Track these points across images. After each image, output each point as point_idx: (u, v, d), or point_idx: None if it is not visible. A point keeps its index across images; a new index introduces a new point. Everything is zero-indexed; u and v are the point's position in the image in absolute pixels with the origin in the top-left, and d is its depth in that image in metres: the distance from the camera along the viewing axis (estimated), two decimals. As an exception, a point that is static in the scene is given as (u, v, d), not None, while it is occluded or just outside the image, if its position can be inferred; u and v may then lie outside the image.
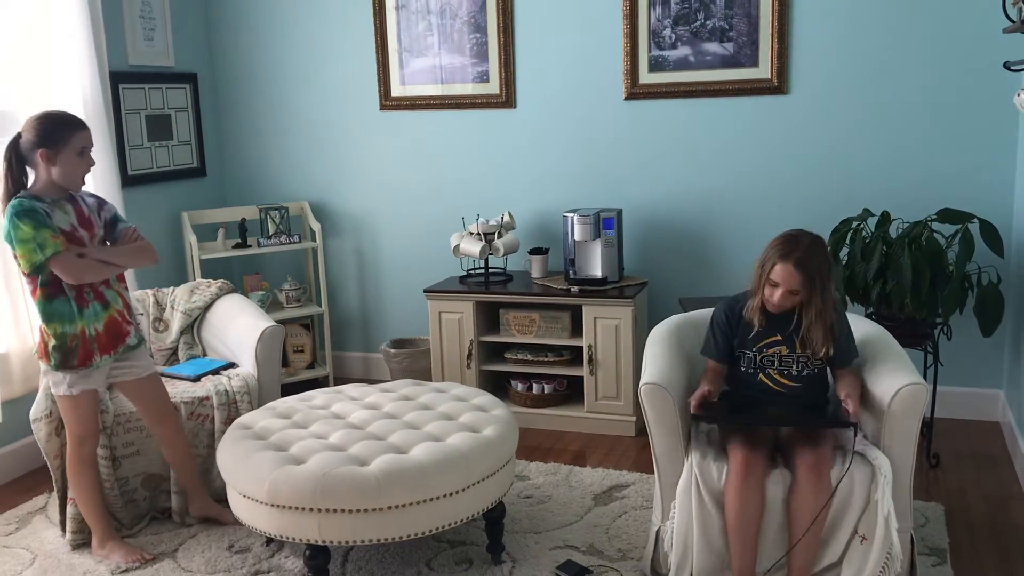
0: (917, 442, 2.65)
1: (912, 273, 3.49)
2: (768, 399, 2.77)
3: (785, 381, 2.75)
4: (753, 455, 2.61)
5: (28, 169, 2.88)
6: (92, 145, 2.91)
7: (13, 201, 2.83)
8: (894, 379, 2.63)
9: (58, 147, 2.82)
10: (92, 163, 2.92)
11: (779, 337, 2.73)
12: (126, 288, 3.13)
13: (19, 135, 2.86)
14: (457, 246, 4.48)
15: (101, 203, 3.07)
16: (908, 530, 2.67)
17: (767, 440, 2.71)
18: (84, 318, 2.92)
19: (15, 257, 2.87)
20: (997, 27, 3.48)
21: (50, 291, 2.88)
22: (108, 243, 3.04)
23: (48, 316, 2.90)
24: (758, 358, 2.76)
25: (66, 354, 2.92)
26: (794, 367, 2.74)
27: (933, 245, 3.57)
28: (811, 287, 2.63)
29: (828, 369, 2.81)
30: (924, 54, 3.94)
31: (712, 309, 2.91)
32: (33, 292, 2.91)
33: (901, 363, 2.74)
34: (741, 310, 2.78)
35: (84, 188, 3.01)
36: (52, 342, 2.91)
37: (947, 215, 3.64)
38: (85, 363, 2.95)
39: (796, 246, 2.63)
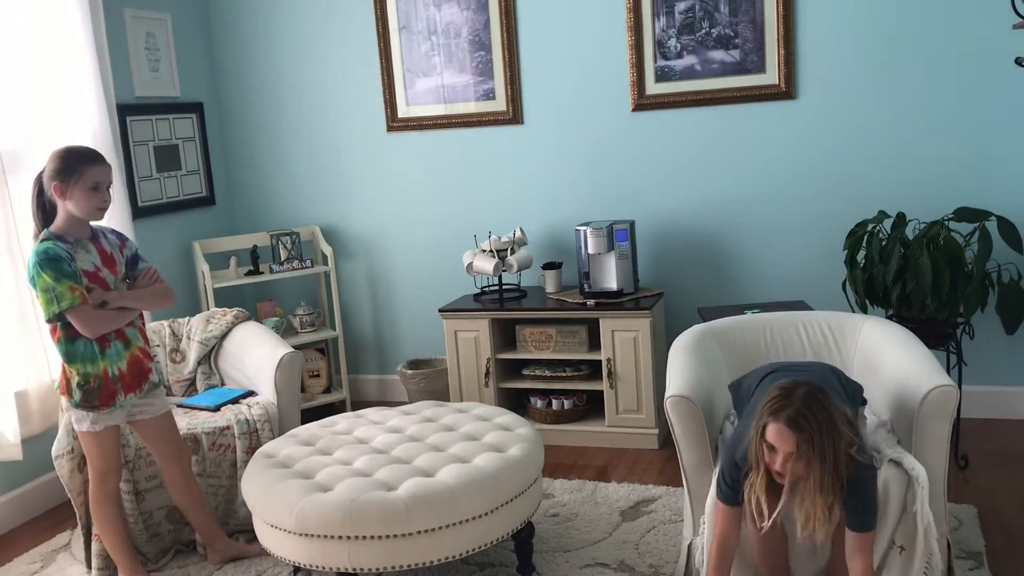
0: (949, 445, 2.62)
1: (932, 273, 3.46)
2: None
3: None
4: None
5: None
6: (109, 181, 2.88)
7: (38, 245, 2.82)
8: (923, 382, 2.60)
9: (70, 181, 2.81)
10: (107, 199, 2.88)
11: (785, 499, 2.40)
12: (144, 325, 3.12)
13: (43, 169, 2.87)
14: (470, 264, 4.46)
15: (123, 240, 3.06)
16: (944, 535, 2.64)
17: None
18: (106, 358, 2.91)
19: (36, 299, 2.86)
20: (1007, 23, 3.47)
21: (71, 332, 2.86)
22: (128, 281, 3.02)
23: (70, 357, 2.89)
24: None
25: (88, 393, 2.90)
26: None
27: (951, 244, 3.53)
28: (811, 448, 2.27)
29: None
30: (933, 52, 3.92)
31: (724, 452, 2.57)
32: (53, 333, 2.89)
33: (929, 365, 2.70)
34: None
35: (103, 223, 3.00)
36: (76, 379, 2.89)
37: (964, 214, 3.62)
38: (108, 403, 2.93)
39: (788, 401, 2.29)
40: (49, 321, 2.86)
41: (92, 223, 2.96)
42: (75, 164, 2.82)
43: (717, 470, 2.53)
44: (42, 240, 2.84)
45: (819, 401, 2.30)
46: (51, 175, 2.82)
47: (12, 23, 3.75)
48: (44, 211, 2.90)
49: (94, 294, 2.86)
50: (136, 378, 2.99)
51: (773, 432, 2.30)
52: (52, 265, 2.77)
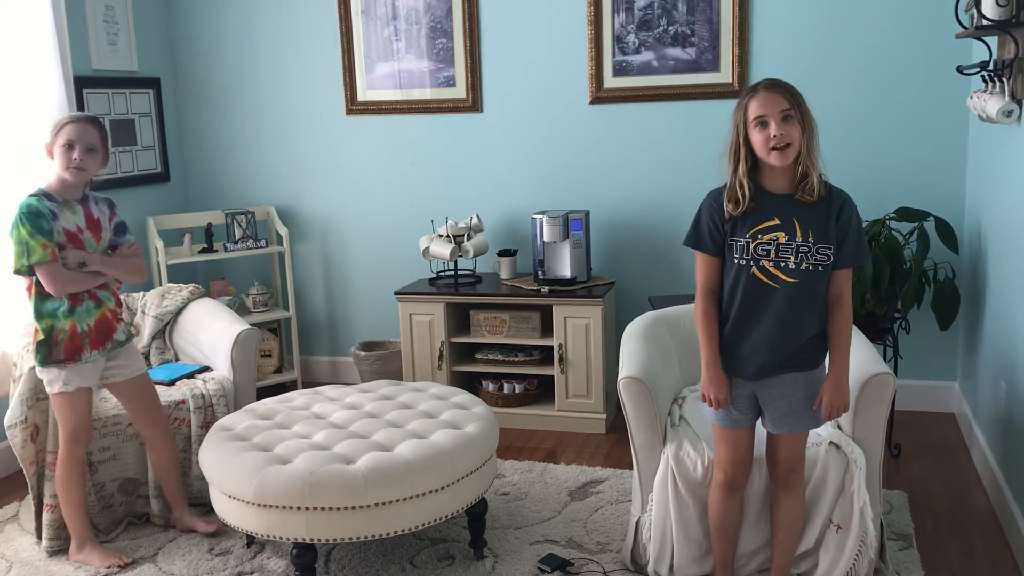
0: (885, 430, 2.76)
1: (872, 269, 3.61)
2: (760, 301, 2.43)
3: (781, 276, 2.39)
4: (737, 471, 2.59)
5: None
6: (86, 142, 2.92)
7: (25, 200, 2.91)
8: (863, 370, 2.73)
9: (51, 139, 2.93)
10: (77, 158, 2.91)
11: (776, 221, 2.39)
12: (119, 287, 3.18)
13: None
14: (427, 248, 4.52)
15: (113, 209, 3.14)
16: (878, 516, 2.77)
17: (751, 448, 2.60)
18: (75, 315, 2.97)
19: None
20: (951, 32, 3.63)
21: (44, 289, 2.92)
22: (109, 250, 3.09)
23: (39, 313, 2.95)
24: (751, 246, 2.40)
25: (51, 348, 2.95)
26: (792, 259, 2.38)
27: (892, 242, 3.70)
28: (801, 109, 2.34)
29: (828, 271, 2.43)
30: (881, 58, 4.08)
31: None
32: (28, 288, 2.97)
33: (868, 354, 2.84)
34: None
35: (98, 192, 3.13)
36: (39, 337, 2.94)
37: (904, 213, 3.78)
38: (72, 357, 2.97)
39: (762, 81, 2.41)
40: (17, 272, 2.91)
41: (87, 191, 3.07)
42: (58, 123, 2.95)
43: (692, 223, 2.55)
44: (30, 195, 2.92)
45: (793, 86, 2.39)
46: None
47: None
48: None
49: (73, 254, 2.93)
50: (102, 335, 3.04)
51: (758, 101, 2.34)
52: (31, 220, 2.85)
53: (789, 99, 2.34)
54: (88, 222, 3.00)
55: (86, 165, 2.93)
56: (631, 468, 3.03)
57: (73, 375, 2.98)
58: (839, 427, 2.80)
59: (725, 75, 4.27)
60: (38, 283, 2.92)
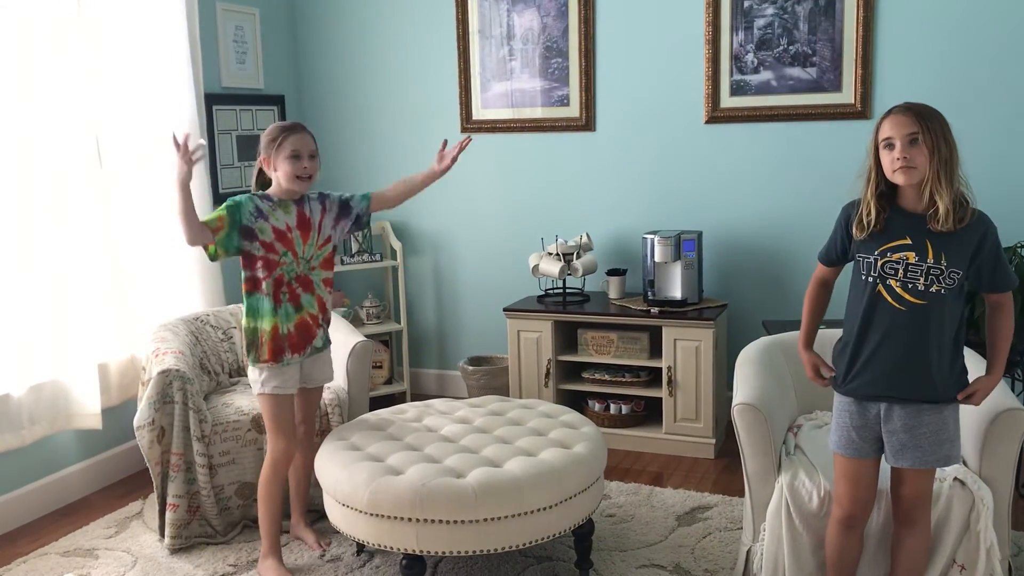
0: (1015, 469, 2.64)
1: (1002, 299, 3.45)
2: (884, 322, 2.38)
3: (908, 297, 2.34)
4: (857, 508, 2.51)
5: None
6: (309, 149, 3.01)
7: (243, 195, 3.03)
8: (992, 404, 2.61)
9: (272, 151, 3.01)
10: (307, 166, 3.00)
11: (908, 240, 2.34)
12: (330, 292, 3.21)
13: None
14: (536, 266, 4.54)
15: (324, 199, 3.17)
16: (1007, 558, 2.65)
17: (873, 484, 2.52)
18: (277, 316, 3.03)
19: None
20: (1092, 53, 3.47)
21: (249, 287, 3.04)
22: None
23: (248, 311, 3.06)
24: (879, 263, 2.37)
25: (257, 349, 3.04)
26: (921, 280, 2.33)
27: (1022, 270, 3.53)
28: (932, 133, 2.28)
29: (961, 296, 2.40)
30: (1009, 80, 3.91)
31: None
32: (244, 285, 3.07)
33: (998, 387, 2.71)
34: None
35: (311, 192, 3.15)
36: (246, 339, 3.06)
37: (1038, 241, 3.61)
38: (275, 358, 3.04)
39: (901, 104, 2.38)
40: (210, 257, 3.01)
41: (303, 191, 3.11)
42: (276, 135, 3.01)
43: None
44: (249, 193, 3.05)
45: (937, 111, 2.35)
46: (261, 151, 3.04)
47: (115, 11, 3.92)
48: (263, 188, 3.12)
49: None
50: (302, 339, 3.10)
51: (888, 123, 2.34)
52: (227, 206, 2.96)
53: (919, 123, 2.30)
54: (299, 221, 3.06)
55: (312, 172, 3.03)
56: (740, 495, 2.98)
57: (273, 376, 3.05)
58: (965, 464, 2.68)
59: (847, 95, 4.17)
60: (245, 280, 3.03)
